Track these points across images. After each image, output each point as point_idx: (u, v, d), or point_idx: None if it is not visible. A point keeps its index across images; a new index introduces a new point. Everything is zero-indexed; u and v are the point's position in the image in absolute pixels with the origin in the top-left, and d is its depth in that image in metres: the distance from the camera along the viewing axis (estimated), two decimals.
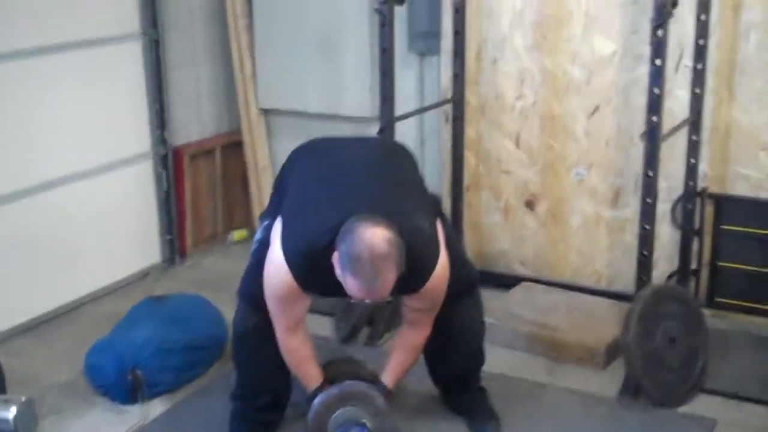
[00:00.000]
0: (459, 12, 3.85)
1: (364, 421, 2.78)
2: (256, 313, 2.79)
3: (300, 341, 2.78)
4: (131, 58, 4.23)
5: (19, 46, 3.69)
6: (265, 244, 2.76)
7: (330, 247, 2.49)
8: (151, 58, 4.26)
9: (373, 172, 2.77)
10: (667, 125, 3.28)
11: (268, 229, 2.79)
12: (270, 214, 2.84)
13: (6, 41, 3.65)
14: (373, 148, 3.08)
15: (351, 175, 2.73)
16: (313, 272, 2.57)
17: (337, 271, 2.47)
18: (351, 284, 2.45)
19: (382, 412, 2.81)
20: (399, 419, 2.94)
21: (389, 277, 2.44)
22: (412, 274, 2.54)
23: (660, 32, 3.06)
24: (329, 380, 2.85)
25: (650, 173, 3.19)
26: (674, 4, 3.09)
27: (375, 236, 2.42)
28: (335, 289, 2.52)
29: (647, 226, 3.24)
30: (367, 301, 2.52)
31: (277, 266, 2.61)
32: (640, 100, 3.60)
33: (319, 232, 2.53)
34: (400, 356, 2.89)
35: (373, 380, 2.88)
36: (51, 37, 3.82)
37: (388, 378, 2.88)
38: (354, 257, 2.41)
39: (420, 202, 2.78)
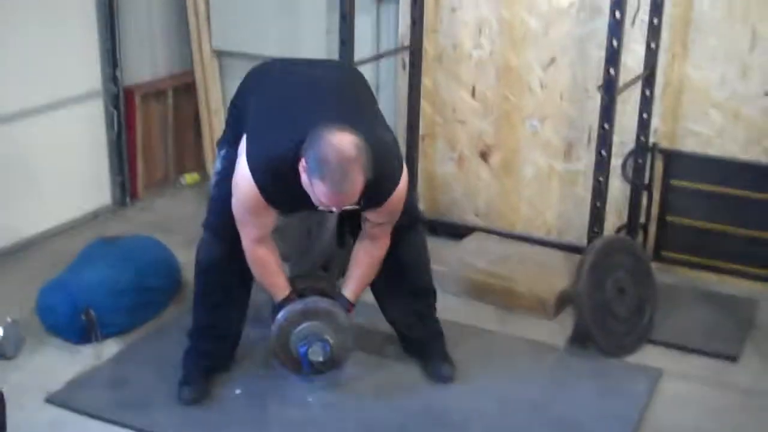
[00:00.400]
0: None
1: (326, 336, 2.83)
2: (221, 244, 2.82)
3: (267, 251, 2.80)
4: None
5: None
6: (224, 174, 2.78)
7: (296, 157, 2.52)
8: None
9: (333, 90, 2.82)
10: (622, 79, 3.32)
11: (226, 159, 2.82)
12: (227, 143, 2.88)
13: None
14: (331, 69, 3.14)
15: (312, 92, 2.77)
16: (280, 184, 2.59)
17: (304, 179, 2.50)
18: (319, 190, 2.47)
19: (345, 329, 2.87)
20: (352, 361, 2.99)
21: (357, 180, 2.47)
22: (377, 185, 2.59)
23: None
24: (295, 293, 2.88)
25: (606, 126, 3.24)
26: None
27: (343, 140, 2.46)
28: (301, 202, 2.57)
29: (601, 179, 3.29)
30: (334, 209, 2.56)
31: (243, 177, 2.63)
32: (596, 53, 3.64)
33: (285, 143, 2.56)
34: (360, 270, 2.92)
35: (336, 295, 2.93)
36: None
37: (349, 292, 2.92)
38: (322, 160, 2.44)
39: (381, 120, 2.85)
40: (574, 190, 3.91)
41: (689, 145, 3.72)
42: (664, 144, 3.76)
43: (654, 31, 3.56)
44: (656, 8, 3.52)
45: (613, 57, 3.15)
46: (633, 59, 3.64)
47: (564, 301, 3.50)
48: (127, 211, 4.46)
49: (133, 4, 4.42)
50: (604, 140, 3.25)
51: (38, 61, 3.94)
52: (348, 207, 2.57)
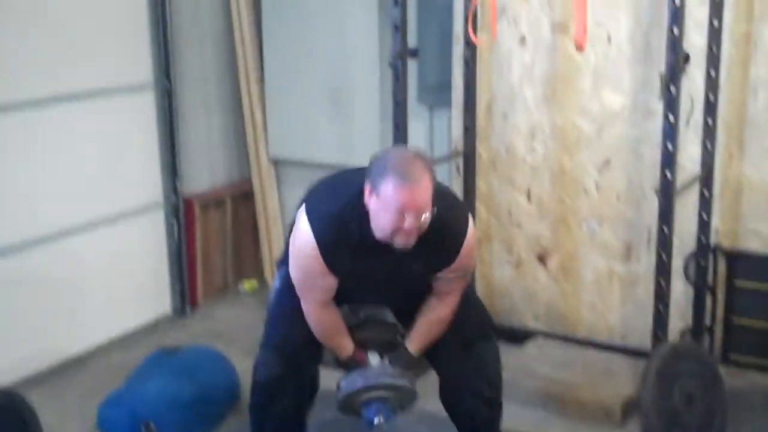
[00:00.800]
0: (469, 65, 3.89)
1: (389, 402, 2.83)
2: (279, 362, 2.78)
3: (331, 314, 2.77)
4: (144, 108, 4.26)
5: (34, 95, 3.73)
6: (283, 292, 2.79)
7: (359, 196, 2.52)
8: (163, 107, 4.30)
9: None
10: (678, 180, 3.30)
11: (285, 278, 2.80)
12: (286, 263, 2.83)
13: (21, 90, 3.69)
14: None
15: None
16: (340, 238, 2.58)
17: (372, 205, 2.48)
18: (386, 191, 2.42)
19: (407, 392, 2.86)
20: None
21: (424, 177, 2.44)
22: (444, 240, 2.60)
23: (672, 88, 3.09)
24: (359, 344, 2.85)
25: (665, 229, 3.21)
26: (686, 60, 3.13)
27: (406, 150, 2.62)
28: (361, 260, 2.58)
29: (662, 282, 3.25)
30: (408, 215, 2.44)
31: (303, 238, 2.62)
32: (651, 154, 3.62)
33: (345, 196, 2.60)
34: (425, 326, 2.85)
35: (399, 345, 2.88)
36: (65, 85, 3.85)
37: (412, 346, 2.87)
38: (385, 164, 2.46)
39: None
40: (636, 292, 3.84)
41: (752, 245, 3.66)
42: (726, 244, 3.70)
43: (709, 132, 3.55)
44: (710, 109, 3.52)
45: (669, 160, 3.14)
46: (689, 160, 3.61)
47: (631, 408, 3.41)
48: (187, 319, 4.49)
49: (193, 116, 4.55)
50: (664, 243, 3.22)
51: (100, 173, 4.05)
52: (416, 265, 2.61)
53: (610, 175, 3.84)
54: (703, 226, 3.63)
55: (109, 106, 4.06)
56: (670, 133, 3.12)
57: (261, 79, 4.65)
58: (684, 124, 3.58)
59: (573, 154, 3.89)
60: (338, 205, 2.59)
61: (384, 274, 2.66)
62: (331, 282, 2.67)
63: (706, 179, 3.59)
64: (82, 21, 3.91)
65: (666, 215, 3.18)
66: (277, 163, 4.79)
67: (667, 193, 3.17)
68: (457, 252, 2.66)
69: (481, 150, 4.06)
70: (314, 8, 4.42)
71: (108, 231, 4.12)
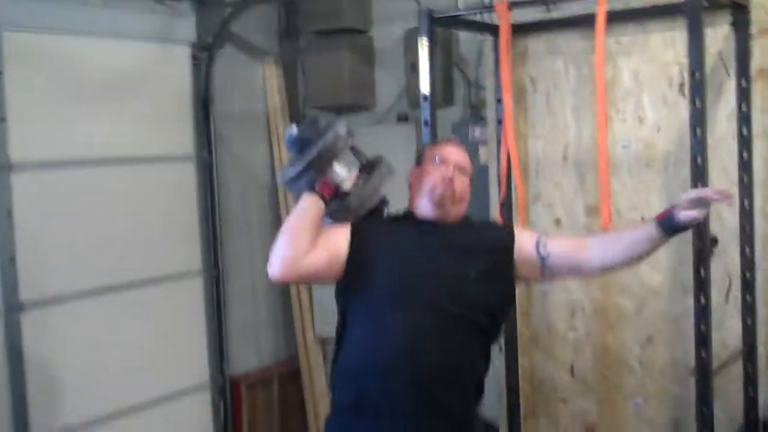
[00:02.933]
0: None
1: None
2: None
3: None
4: (192, 293, 4.41)
5: (93, 285, 3.90)
6: None
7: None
8: (211, 293, 4.44)
9: None
10: (721, 356, 3.28)
11: None
12: None
13: (82, 281, 3.86)
14: None
15: None
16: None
17: (414, 178, 2.68)
18: (427, 151, 2.72)
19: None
20: None
21: (463, 148, 2.72)
22: (490, 224, 2.96)
23: (702, 271, 3.12)
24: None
25: (704, 409, 3.16)
26: (714, 243, 3.17)
27: None
28: (403, 237, 2.60)
29: None
30: (448, 163, 2.62)
31: None
32: (692, 330, 3.61)
33: None
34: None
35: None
36: (121, 276, 4.01)
37: None
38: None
39: None
40: None
41: None
42: None
43: (748, 308, 3.54)
44: (747, 285, 3.52)
45: (703, 340, 3.13)
46: (731, 335, 3.59)
47: None
48: None
49: (240, 299, 4.68)
50: (705, 423, 3.17)
51: (149, 357, 4.16)
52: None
53: (653, 351, 3.81)
54: (749, 401, 3.57)
55: (160, 292, 4.23)
56: (703, 313, 3.13)
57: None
58: (723, 300, 3.60)
59: (615, 331, 3.89)
60: None
61: (428, 257, 2.55)
62: (339, 242, 2.51)
63: (749, 354, 3.56)
64: (137, 216, 4.11)
65: (704, 395, 3.15)
66: (323, 341, 4.86)
67: (703, 373, 3.14)
68: (510, 229, 2.80)
69: (522, 328, 4.08)
70: None
71: (156, 413, 4.20)
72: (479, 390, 2.64)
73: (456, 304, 2.50)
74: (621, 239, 2.65)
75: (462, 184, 2.65)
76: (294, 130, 2.52)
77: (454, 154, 2.68)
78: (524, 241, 2.67)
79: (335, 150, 2.51)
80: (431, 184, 2.62)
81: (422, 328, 2.45)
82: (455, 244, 2.59)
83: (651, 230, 2.53)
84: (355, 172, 2.61)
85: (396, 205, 2.74)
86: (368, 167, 2.66)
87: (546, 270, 2.65)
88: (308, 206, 2.50)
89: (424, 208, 2.64)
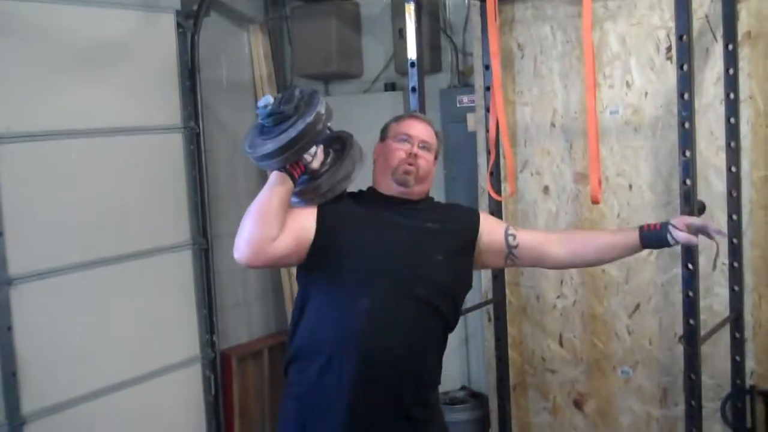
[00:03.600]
0: (494, 215, 3.94)
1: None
2: None
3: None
4: (181, 266, 4.36)
5: (82, 259, 3.85)
6: None
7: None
8: (200, 265, 4.40)
9: None
10: (708, 323, 3.27)
11: None
12: None
13: (71, 254, 3.81)
14: None
15: None
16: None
17: (378, 153, 2.63)
18: (391, 126, 2.64)
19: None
20: None
21: (428, 123, 2.65)
22: (456, 208, 2.75)
23: None
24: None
25: (692, 376, 3.16)
26: (702, 210, 3.15)
27: None
28: (368, 217, 2.52)
29: (695, 429, 3.18)
30: (413, 139, 2.57)
31: None
32: (681, 298, 3.60)
33: None
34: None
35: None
36: (109, 250, 3.96)
37: None
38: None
39: None
40: None
41: None
42: (763, 386, 3.63)
43: (736, 275, 3.53)
44: (735, 252, 3.52)
45: (691, 308, 3.12)
46: (719, 302, 3.59)
47: None
48: None
49: (229, 271, 4.65)
50: (692, 390, 3.16)
51: (139, 331, 4.11)
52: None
53: (641, 319, 3.82)
54: (737, 368, 3.57)
55: (149, 265, 4.16)
56: (690, 281, 3.11)
57: None
58: (710, 267, 3.59)
59: (603, 299, 3.89)
60: None
61: (395, 237, 2.49)
62: (306, 226, 2.41)
63: (736, 321, 3.55)
64: (125, 188, 4.08)
65: (692, 363, 3.14)
66: None
67: (691, 340, 3.14)
68: (476, 212, 2.70)
69: (512, 297, 4.08)
70: None
71: (147, 388, 4.15)
72: (435, 384, 2.60)
73: (424, 287, 2.45)
74: (596, 243, 2.66)
75: (426, 161, 2.58)
76: (270, 100, 2.41)
77: (418, 129, 2.60)
78: (491, 229, 2.64)
79: (316, 132, 2.35)
80: (395, 161, 2.55)
81: (390, 312, 2.40)
82: (422, 226, 2.53)
83: (632, 240, 2.57)
84: (320, 146, 2.49)
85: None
86: (334, 142, 2.56)
87: (509, 259, 2.65)
88: (277, 185, 2.36)
89: (387, 185, 2.58)
